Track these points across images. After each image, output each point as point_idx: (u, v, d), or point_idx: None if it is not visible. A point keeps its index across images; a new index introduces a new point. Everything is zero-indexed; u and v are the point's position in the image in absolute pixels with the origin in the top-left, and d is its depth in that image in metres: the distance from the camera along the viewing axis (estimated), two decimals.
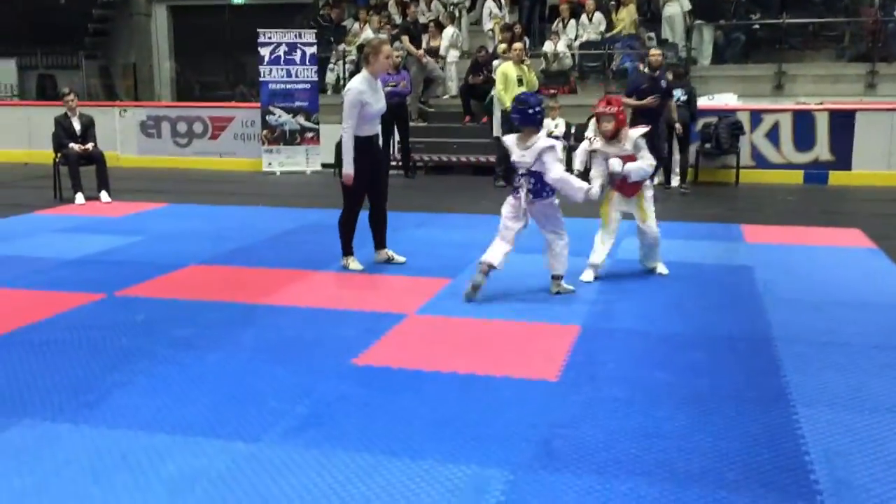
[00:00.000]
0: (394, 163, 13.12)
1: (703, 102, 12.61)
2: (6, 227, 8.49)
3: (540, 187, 5.83)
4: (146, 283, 6.22)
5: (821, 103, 12.33)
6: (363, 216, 6.82)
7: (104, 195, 10.25)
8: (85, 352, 4.62)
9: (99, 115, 12.48)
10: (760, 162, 12.08)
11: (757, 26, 14.12)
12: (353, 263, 6.69)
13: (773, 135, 12.03)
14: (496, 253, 5.84)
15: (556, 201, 6.02)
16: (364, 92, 6.28)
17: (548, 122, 12.48)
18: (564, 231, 6.03)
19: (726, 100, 12.70)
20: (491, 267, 5.78)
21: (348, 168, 6.43)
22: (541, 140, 5.73)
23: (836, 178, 11.87)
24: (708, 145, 11.91)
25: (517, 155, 5.82)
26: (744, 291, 6.02)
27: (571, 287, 6.05)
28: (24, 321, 5.17)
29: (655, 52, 10.72)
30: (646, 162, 6.30)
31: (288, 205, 10.09)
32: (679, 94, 11.23)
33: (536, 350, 4.74)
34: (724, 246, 7.62)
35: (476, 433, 3.64)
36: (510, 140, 5.95)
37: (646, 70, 10.55)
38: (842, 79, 13.47)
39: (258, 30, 13.66)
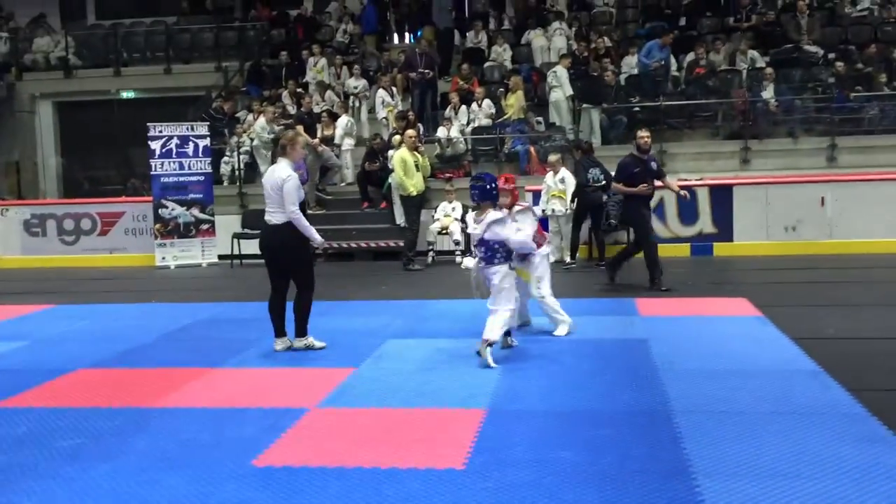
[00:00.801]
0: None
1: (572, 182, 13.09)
2: None
3: (490, 255, 6.39)
4: (29, 391, 5.87)
5: (701, 179, 12.99)
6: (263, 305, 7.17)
7: None
8: None
9: None
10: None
11: (637, 108, 14.87)
12: (318, 342, 7.01)
13: (660, 210, 12.53)
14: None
15: (507, 273, 6.43)
16: (297, 177, 6.84)
17: (444, 205, 12.72)
18: (507, 304, 6.38)
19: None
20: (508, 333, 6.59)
21: (318, 239, 6.97)
22: (491, 214, 6.33)
23: (719, 249, 12.43)
24: (601, 222, 12.30)
25: (471, 227, 6.53)
26: (642, 365, 6.15)
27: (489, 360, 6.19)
28: None
29: (644, 135, 10.20)
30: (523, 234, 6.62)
31: (183, 300, 9.81)
32: (597, 173, 11.61)
33: (442, 437, 4.69)
34: (621, 320, 7.81)
35: None
36: (470, 217, 6.69)
37: (634, 153, 10.38)
38: (718, 156, 14.27)
39: (148, 123, 13.49)
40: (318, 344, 6.98)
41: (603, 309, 8.43)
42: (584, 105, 14.65)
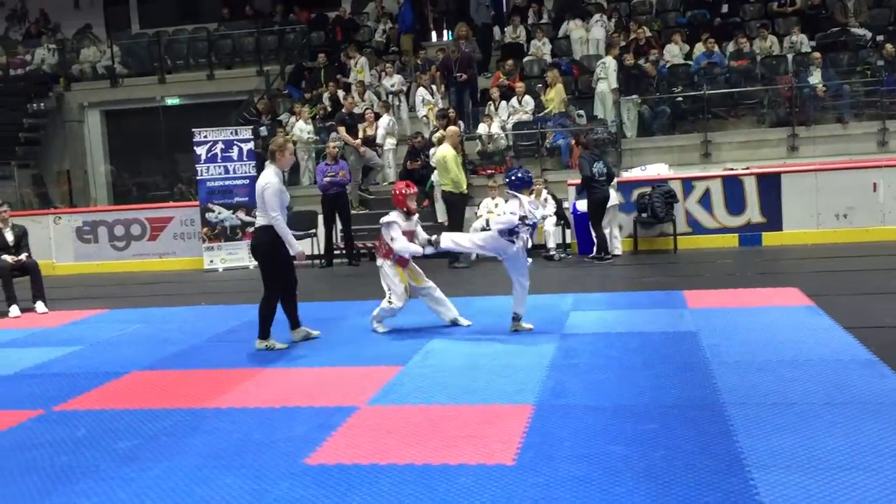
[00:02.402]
0: (337, 251, 13.12)
1: (635, 173, 12.99)
2: None
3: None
4: (86, 394, 6.02)
5: (747, 168, 12.79)
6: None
7: (40, 305, 9.99)
8: (22, 475, 4.40)
9: (33, 224, 12.30)
10: (696, 228, 12.41)
11: (680, 99, 14.69)
12: (279, 344, 7.11)
13: (706, 201, 12.39)
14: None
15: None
16: (279, 183, 7.05)
17: (487, 202, 12.70)
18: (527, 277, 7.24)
19: (658, 170, 13.09)
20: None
21: (296, 245, 7.09)
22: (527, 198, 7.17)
23: (768, 238, 12.23)
24: (644, 214, 12.20)
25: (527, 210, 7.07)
26: (691, 358, 6.08)
27: (530, 325, 7.22)
28: None
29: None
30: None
31: (231, 302, 9.95)
32: (601, 167, 11.49)
33: (491, 433, 4.69)
34: (668, 313, 7.73)
35: None
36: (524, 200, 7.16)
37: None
38: (765, 144, 14.06)
39: (193, 129, 13.72)
40: (279, 345, 7.10)
41: (650, 302, 8.35)
42: (625, 97, 14.52)
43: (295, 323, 7.37)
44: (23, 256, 10.25)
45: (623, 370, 5.85)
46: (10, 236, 10.30)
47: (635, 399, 5.19)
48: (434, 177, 13.07)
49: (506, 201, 7.34)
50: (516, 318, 7.25)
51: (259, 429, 4.99)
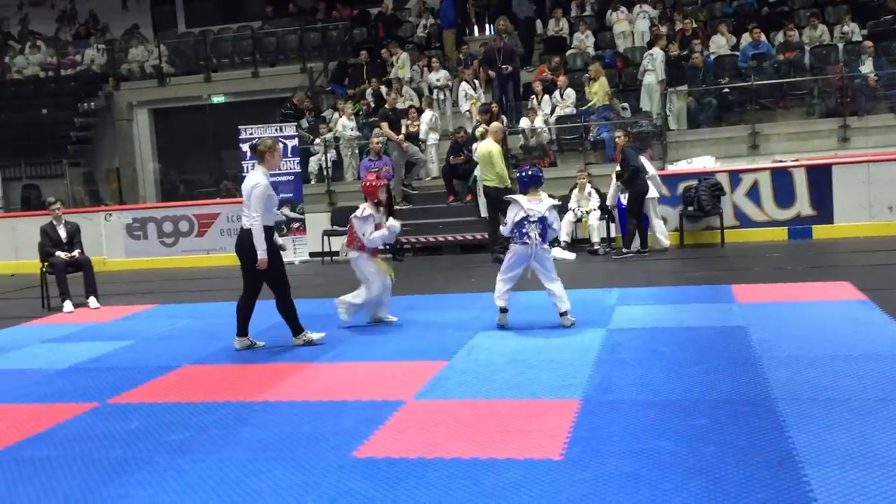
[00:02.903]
0: (381, 246, 13.17)
1: (681, 166, 12.83)
2: None
3: (544, 233, 7.17)
4: (139, 388, 6.14)
5: (796, 160, 12.55)
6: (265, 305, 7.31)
7: (92, 301, 10.21)
8: (79, 466, 4.51)
9: (84, 221, 12.56)
10: (744, 221, 12.22)
11: (727, 90, 14.45)
12: (251, 342, 7.19)
13: (754, 193, 12.19)
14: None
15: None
16: (268, 185, 6.99)
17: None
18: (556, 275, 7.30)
19: (704, 162, 12.91)
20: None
21: (263, 254, 6.93)
22: (547, 197, 7.31)
23: (819, 231, 11.98)
24: (690, 208, 12.05)
25: (526, 209, 7.10)
26: (741, 352, 6.00)
27: (574, 319, 7.23)
28: (17, 437, 5.07)
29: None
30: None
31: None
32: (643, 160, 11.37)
33: (538, 427, 4.68)
34: (717, 307, 7.63)
35: None
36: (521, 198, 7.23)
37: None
38: (815, 135, 13.76)
39: (239, 126, 13.88)
40: (258, 343, 7.17)
41: (698, 296, 8.25)
42: (671, 88, 14.34)
43: (297, 329, 7.21)
44: (76, 253, 10.50)
45: (671, 365, 5.80)
46: (63, 233, 10.55)
47: (684, 394, 5.13)
48: (477, 171, 13.04)
49: (508, 205, 7.34)
50: (565, 314, 7.23)
51: (307, 422, 5.04)
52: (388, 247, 13.08)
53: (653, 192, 11.60)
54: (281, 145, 7.46)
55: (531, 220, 7.08)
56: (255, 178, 6.93)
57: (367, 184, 7.88)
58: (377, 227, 7.70)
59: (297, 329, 7.16)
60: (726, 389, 5.17)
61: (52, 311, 10.12)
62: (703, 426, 4.54)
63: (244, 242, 6.97)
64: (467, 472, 4.09)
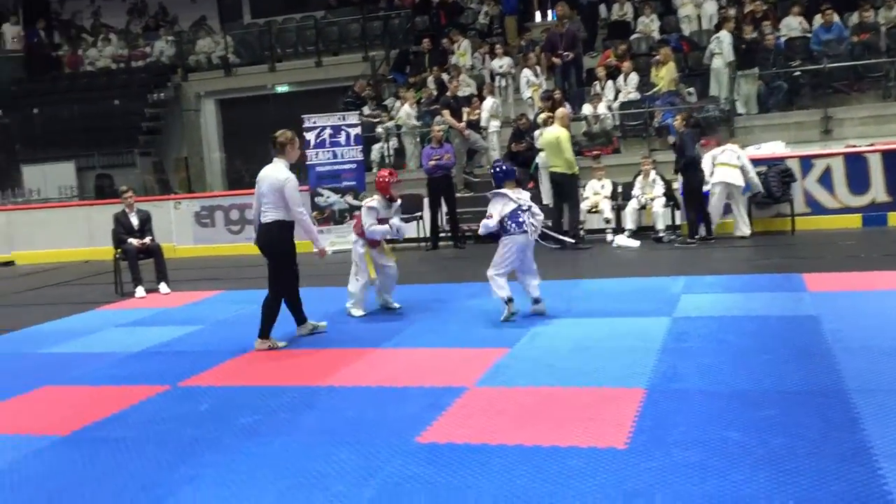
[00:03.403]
0: (443, 234, 13.21)
1: (750, 152, 12.51)
2: (71, 325, 8.70)
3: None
4: (208, 371, 6.29)
5: (871, 145, 12.12)
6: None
7: (163, 286, 10.49)
8: (152, 446, 4.65)
9: (155, 209, 12.87)
10: (815, 208, 11.86)
11: (798, 73, 14.03)
12: (280, 342, 6.95)
13: (826, 179, 11.83)
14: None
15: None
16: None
17: (593, 183, 12.50)
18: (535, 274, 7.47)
19: (774, 148, 12.57)
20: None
21: (321, 243, 7.04)
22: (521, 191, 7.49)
23: (895, 218, 11.56)
24: (760, 195, 11.75)
25: (515, 199, 7.25)
26: (812, 342, 5.84)
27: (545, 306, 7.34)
28: (93, 418, 5.25)
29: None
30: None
31: (341, 284, 10.13)
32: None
33: (602, 416, 4.64)
34: (787, 296, 7.44)
35: None
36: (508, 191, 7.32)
37: None
38: (891, 119, 13.26)
39: (302, 115, 14.05)
40: (280, 343, 6.93)
41: (767, 285, 8.05)
42: (740, 72, 13.98)
43: (300, 318, 7.26)
44: (147, 240, 10.78)
45: (739, 354, 5.68)
46: (135, 221, 10.84)
47: (753, 384, 5.02)
48: (539, 159, 12.96)
49: (490, 200, 7.41)
50: (538, 301, 7.36)
51: (371, 407, 5.09)
52: (448, 233, 13.11)
53: (736, 180, 11.29)
54: (297, 139, 7.21)
55: (523, 208, 7.24)
56: (284, 172, 6.74)
57: (380, 179, 7.97)
58: (382, 221, 7.79)
59: (266, 332, 6.93)
60: (796, 380, 5.05)
61: (124, 297, 10.43)
62: (772, 417, 4.44)
63: (274, 238, 6.87)
64: (530, 459, 4.08)
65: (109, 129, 19.88)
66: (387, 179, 7.94)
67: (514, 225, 7.19)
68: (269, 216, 6.81)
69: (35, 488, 4.15)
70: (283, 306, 7.13)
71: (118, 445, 4.70)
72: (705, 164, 11.42)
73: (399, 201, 8.08)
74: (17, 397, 5.87)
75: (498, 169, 7.49)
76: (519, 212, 7.20)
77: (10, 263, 15.62)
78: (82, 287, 11.93)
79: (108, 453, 4.58)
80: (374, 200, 7.85)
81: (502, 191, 7.29)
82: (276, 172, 6.75)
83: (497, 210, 7.23)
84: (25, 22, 23.58)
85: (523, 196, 7.38)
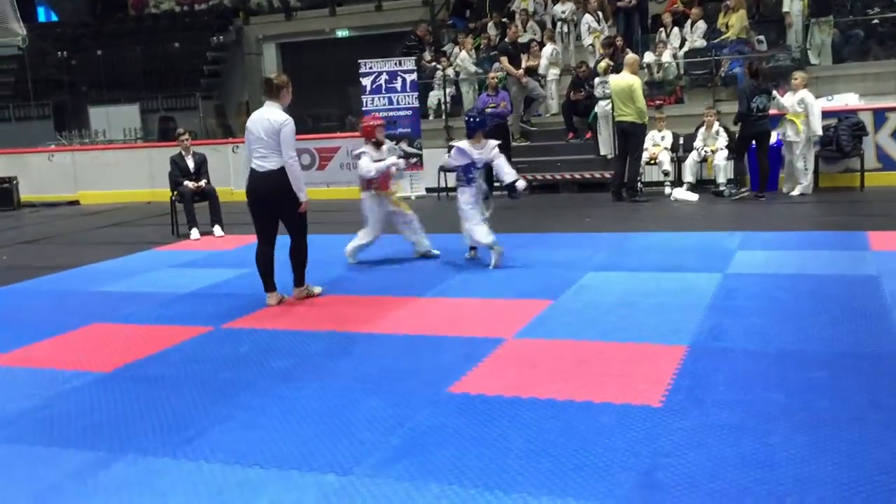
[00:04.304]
0: (497, 183, 13.03)
1: (821, 104, 11.97)
2: (127, 265, 8.89)
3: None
4: (252, 315, 6.35)
5: None
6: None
7: (217, 229, 10.63)
8: (190, 386, 4.72)
9: (213, 152, 13.02)
10: (887, 163, 11.33)
11: (876, 21, 13.29)
12: (315, 287, 6.92)
13: None
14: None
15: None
16: None
17: (654, 134, 12.15)
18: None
19: (846, 100, 12.00)
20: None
21: (305, 195, 6.60)
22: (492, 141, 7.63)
23: None
24: (829, 148, 11.26)
25: (471, 154, 7.48)
26: (869, 304, 5.59)
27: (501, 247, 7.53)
28: (136, 356, 5.35)
29: None
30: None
31: (391, 231, 10.13)
32: (763, 100, 10.63)
33: (639, 373, 4.53)
34: (848, 255, 7.13)
35: (574, 463, 3.48)
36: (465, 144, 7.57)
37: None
38: None
39: (359, 60, 13.94)
40: (316, 290, 6.84)
41: (829, 242, 7.75)
42: (813, 20, 13.31)
43: (271, 285, 6.73)
44: (202, 182, 10.91)
45: (790, 314, 5.47)
46: (191, 163, 10.97)
47: (801, 345, 4.84)
48: (598, 108, 12.63)
49: (449, 152, 7.83)
50: (473, 249, 7.84)
51: (406, 355, 5.07)
52: (502, 183, 12.93)
53: (796, 136, 10.86)
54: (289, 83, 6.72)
55: (477, 166, 7.57)
56: (281, 114, 6.35)
57: (365, 124, 8.07)
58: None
59: (301, 279, 6.73)
60: (849, 341, 4.84)
61: (180, 238, 10.61)
62: (819, 379, 4.27)
63: (264, 183, 6.40)
64: (561, 413, 4.01)
65: (172, 71, 20.13)
66: (371, 124, 8.06)
67: (464, 178, 7.62)
68: (271, 161, 6.37)
69: (73, 422, 4.25)
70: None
71: (156, 384, 4.78)
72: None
73: (388, 144, 8.27)
74: (67, 333, 6.03)
75: (470, 119, 7.75)
76: (472, 168, 7.55)
77: (75, 203, 16.06)
78: (141, 228, 12.18)
79: (146, 391, 4.66)
80: (363, 147, 8.01)
81: (461, 145, 7.57)
82: (272, 115, 6.36)
83: (453, 162, 7.70)
84: None
85: (484, 151, 7.56)
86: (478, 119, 7.74)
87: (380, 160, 7.93)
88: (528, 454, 3.60)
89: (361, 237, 8.15)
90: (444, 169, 13.26)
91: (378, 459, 3.62)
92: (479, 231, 7.51)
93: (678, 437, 3.68)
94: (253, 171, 6.51)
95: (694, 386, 4.28)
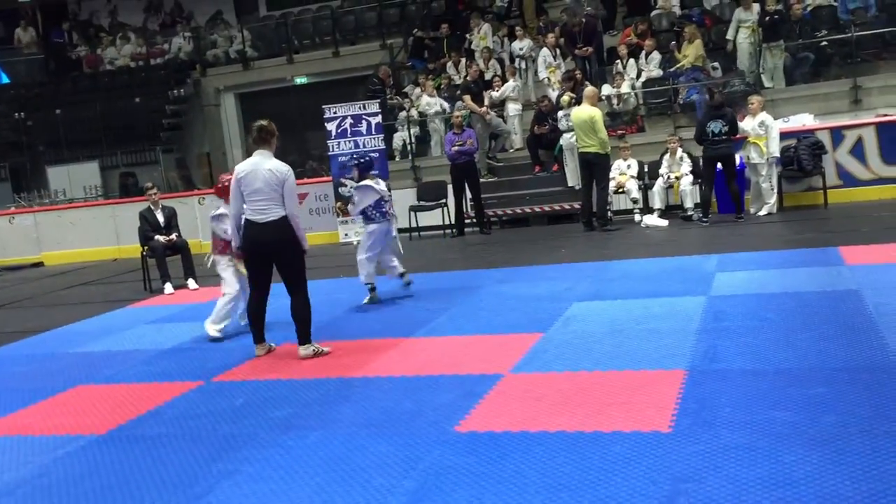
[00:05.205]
0: (468, 220, 13.11)
1: (779, 125, 12.29)
2: (102, 323, 8.72)
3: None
4: (241, 366, 6.26)
5: None
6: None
7: (191, 282, 10.49)
8: (189, 443, 4.61)
9: (180, 205, 12.89)
10: (848, 180, 11.63)
11: (825, 43, 13.73)
12: (325, 346, 6.37)
13: (858, 151, 11.58)
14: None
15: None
16: None
17: (619, 163, 12.34)
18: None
19: (803, 120, 12.32)
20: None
21: (307, 244, 6.33)
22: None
23: None
24: (791, 168, 11.53)
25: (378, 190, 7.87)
26: (855, 318, 5.70)
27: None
28: (129, 416, 5.22)
29: None
30: None
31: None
32: (719, 126, 10.88)
33: (643, 399, 4.54)
34: (825, 271, 7.28)
35: (594, 495, 3.47)
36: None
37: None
38: None
39: (323, 106, 13.98)
40: (325, 349, 6.32)
41: (804, 260, 7.90)
42: (765, 44, 13.71)
43: (260, 336, 6.56)
44: (174, 236, 10.78)
45: (781, 332, 5.55)
46: (161, 217, 10.85)
47: (797, 362, 4.90)
48: (563, 140, 12.80)
49: (355, 189, 8.10)
50: (403, 274, 8.28)
51: (407, 397, 5.03)
52: (473, 219, 12.98)
53: (758, 157, 11.14)
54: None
55: (385, 199, 7.96)
56: (280, 164, 6.15)
57: (222, 185, 7.28)
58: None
59: (307, 336, 6.31)
60: (843, 356, 4.92)
61: (153, 294, 10.45)
62: (821, 395, 4.32)
63: (270, 234, 6.07)
64: (573, 445, 4.00)
65: (131, 127, 19.95)
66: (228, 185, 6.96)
67: (377, 214, 7.90)
68: (271, 213, 6.08)
69: (74, 488, 4.12)
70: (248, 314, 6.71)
71: (155, 443, 4.66)
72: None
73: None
74: (52, 398, 5.87)
75: (361, 160, 8.09)
76: (382, 202, 7.90)
77: (39, 264, 15.76)
78: (111, 285, 11.97)
79: (146, 451, 4.55)
80: (220, 207, 7.37)
81: (367, 183, 7.87)
82: (272, 164, 6.13)
83: (362, 201, 7.88)
84: (44, 24, 23.71)
85: (384, 186, 8.07)
86: (365, 160, 8.10)
87: None
88: (546, 489, 3.58)
89: (223, 299, 7.38)
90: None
91: None
92: (363, 268, 7.94)
93: (694, 462, 3.69)
94: (252, 222, 6.15)
95: (700, 409, 4.30)
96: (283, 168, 6.17)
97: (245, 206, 6.20)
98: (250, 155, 6.43)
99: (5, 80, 23.90)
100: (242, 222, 6.27)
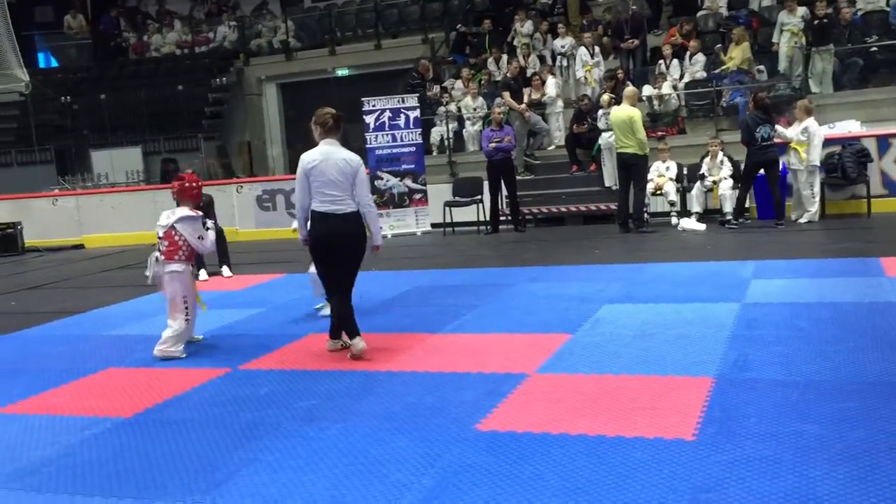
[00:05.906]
0: (503, 217, 13.07)
1: (824, 131, 12.05)
2: (138, 307, 8.85)
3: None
4: (268, 355, 6.30)
5: None
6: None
7: (226, 270, 10.59)
8: (213, 429, 4.65)
9: (217, 193, 13.03)
10: (893, 189, 11.38)
11: (875, 48, 13.43)
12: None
13: None
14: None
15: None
16: None
17: (658, 165, 12.20)
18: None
19: (849, 127, 12.07)
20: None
21: (381, 239, 6.16)
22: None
23: None
24: (834, 175, 11.30)
25: None
26: (892, 331, 5.56)
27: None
28: (156, 400, 5.29)
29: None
30: None
31: (401, 268, 10.13)
32: (767, 130, 10.69)
33: (668, 406, 4.48)
34: (864, 282, 7.12)
35: (611, 501, 3.42)
36: None
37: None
38: None
39: (362, 98, 14.02)
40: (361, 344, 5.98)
41: (843, 270, 7.73)
42: (814, 48, 13.44)
43: (355, 331, 6.10)
44: (210, 223, 10.86)
45: (814, 343, 5.43)
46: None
47: (829, 374, 4.79)
48: (602, 140, 12.70)
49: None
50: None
51: (430, 393, 5.01)
52: (508, 217, 12.92)
53: (798, 164, 10.95)
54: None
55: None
56: (352, 154, 5.86)
57: (189, 185, 6.71)
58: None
59: (354, 331, 6.04)
60: (876, 370, 4.80)
61: None
62: (851, 409, 4.22)
63: (345, 228, 5.82)
64: (594, 450, 3.95)
65: (174, 113, 20.22)
66: (197, 185, 6.80)
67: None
68: (346, 204, 5.80)
69: (98, 469, 4.18)
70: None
71: (179, 428, 4.71)
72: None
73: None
74: (83, 379, 5.97)
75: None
76: None
77: (79, 247, 16.04)
78: None
79: (170, 436, 4.59)
80: (187, 210, 6.66)
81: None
82: (344, 154, 5.85)
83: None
84: (93, 10, 24.12)
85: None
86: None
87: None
88: (563, 492, 3.54)
89: (172, 325, 6.50)
90: (449, 204, 13.31)
91: (412, 501, 3.56)
92: (316, 284, 6.98)
93: (716, 472, 3.62)
94: (325, 214, 5.81)
95: (725, 418, 4.23)
96: (355, 158, 5.89)
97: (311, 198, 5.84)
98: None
99: (54, 63, 24.40)
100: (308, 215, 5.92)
